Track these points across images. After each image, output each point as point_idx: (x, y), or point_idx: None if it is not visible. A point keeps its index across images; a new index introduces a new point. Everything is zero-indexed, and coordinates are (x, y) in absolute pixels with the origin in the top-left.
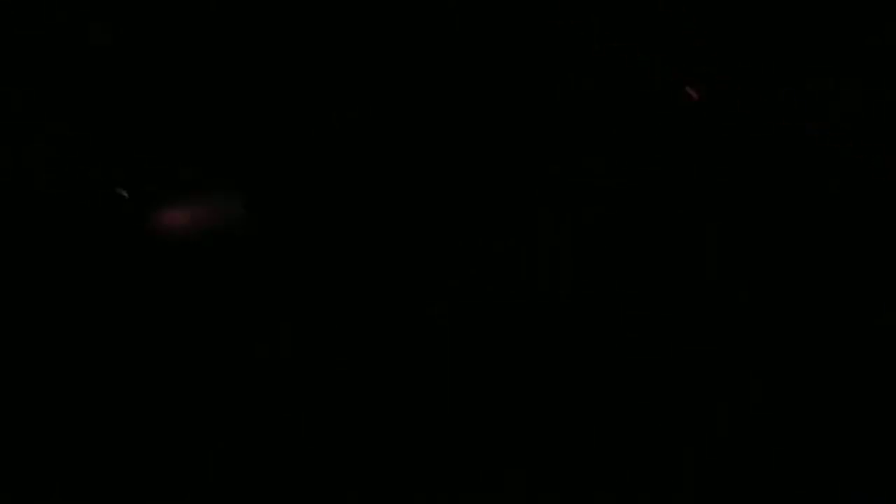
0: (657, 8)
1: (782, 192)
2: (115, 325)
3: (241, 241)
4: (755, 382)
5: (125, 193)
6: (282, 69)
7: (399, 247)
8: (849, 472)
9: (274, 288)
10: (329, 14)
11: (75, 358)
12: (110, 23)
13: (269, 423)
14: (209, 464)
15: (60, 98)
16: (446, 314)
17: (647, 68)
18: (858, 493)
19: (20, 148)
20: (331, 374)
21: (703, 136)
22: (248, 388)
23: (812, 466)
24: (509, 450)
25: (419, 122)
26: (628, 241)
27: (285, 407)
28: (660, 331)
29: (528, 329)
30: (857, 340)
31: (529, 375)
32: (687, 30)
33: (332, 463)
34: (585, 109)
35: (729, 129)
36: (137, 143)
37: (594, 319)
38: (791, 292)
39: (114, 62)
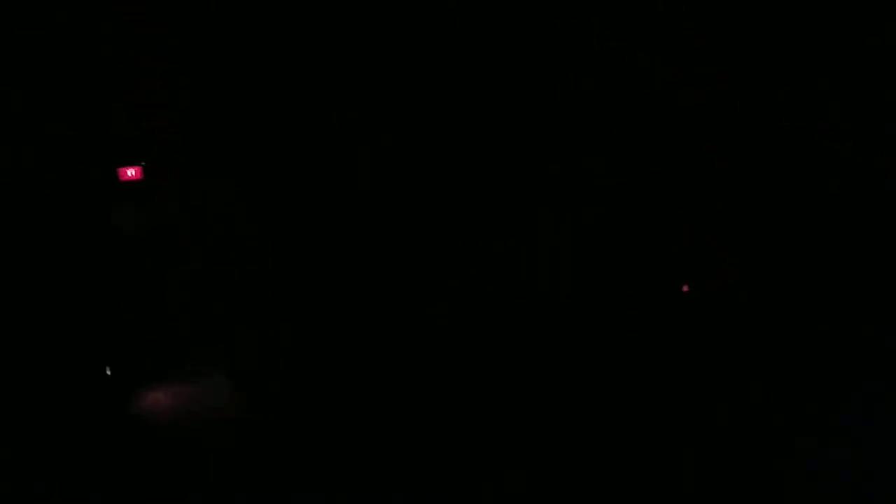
0: (657, 8)
1: (782, 191)
2: (114, 322)
3: (244, 241)
4: (755, 382)
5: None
6: (282, 70)
7: (399, 247)
8: (846, 469)
9: (274, 288)
10: (329, 14)
11: (74, 357)
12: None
13: (268, 422)
14: (209, 464)
15: (60, 98)
16: (446, 314)
17: (647, 68)
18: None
19: (20, 148)
20: (330, 373)
21: (703, 136)
22: (249, 388)
23: (811, 464)
24: (509, 449)
25: (419, 122)
26: (628, 241)
27: (284, 407)
28: (660, 331)
29: (527, 329)
30: (856, 340)
31: (529, 375)
32: (687, 30)
33: (332, 462)
34: (585, 109)
35: (729, 129)
36: (137, 143)
37: (594, 319)
38: (791, 292)
39: (114, 63)
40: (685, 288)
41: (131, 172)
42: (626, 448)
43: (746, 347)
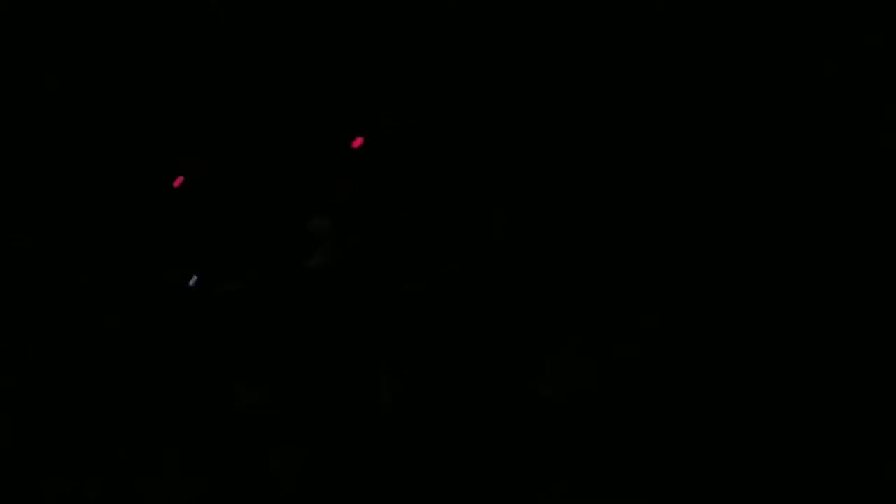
0: (657, 8)
1: (782, 191)
2: (115, 326)
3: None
4: (755, 382)
5: None
6: (282, 70)
7: (398, 247)
8: (848, 471)
9: (273, 287)
10: (330, 14)
11: (75, 360)
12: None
13: (266, 420)
14: (210, 463)
15: (61, 99)
16: (446, 314)
17: (647, 68)
18: None
19: (20, 149)
20: (330, 372)
21: (703, 135)
22: (247, 383)
23: (811, 466)
24: (508, 449)
25: (418, 121)
26: (627, 241)
27: (282, 405)
28: (660, 331)
29: (527, 329)
30: (857, 341)
31: (528, 375)
32: (687, 30)
33: (330, 461)
34: (585, 109)
35: (729, 128)
36: (137, 143)
37: (594, 319)
38: (791, 292)
39: (113, 64)
40: None
41: None
42: (625, 448)
43: (746, 347)
